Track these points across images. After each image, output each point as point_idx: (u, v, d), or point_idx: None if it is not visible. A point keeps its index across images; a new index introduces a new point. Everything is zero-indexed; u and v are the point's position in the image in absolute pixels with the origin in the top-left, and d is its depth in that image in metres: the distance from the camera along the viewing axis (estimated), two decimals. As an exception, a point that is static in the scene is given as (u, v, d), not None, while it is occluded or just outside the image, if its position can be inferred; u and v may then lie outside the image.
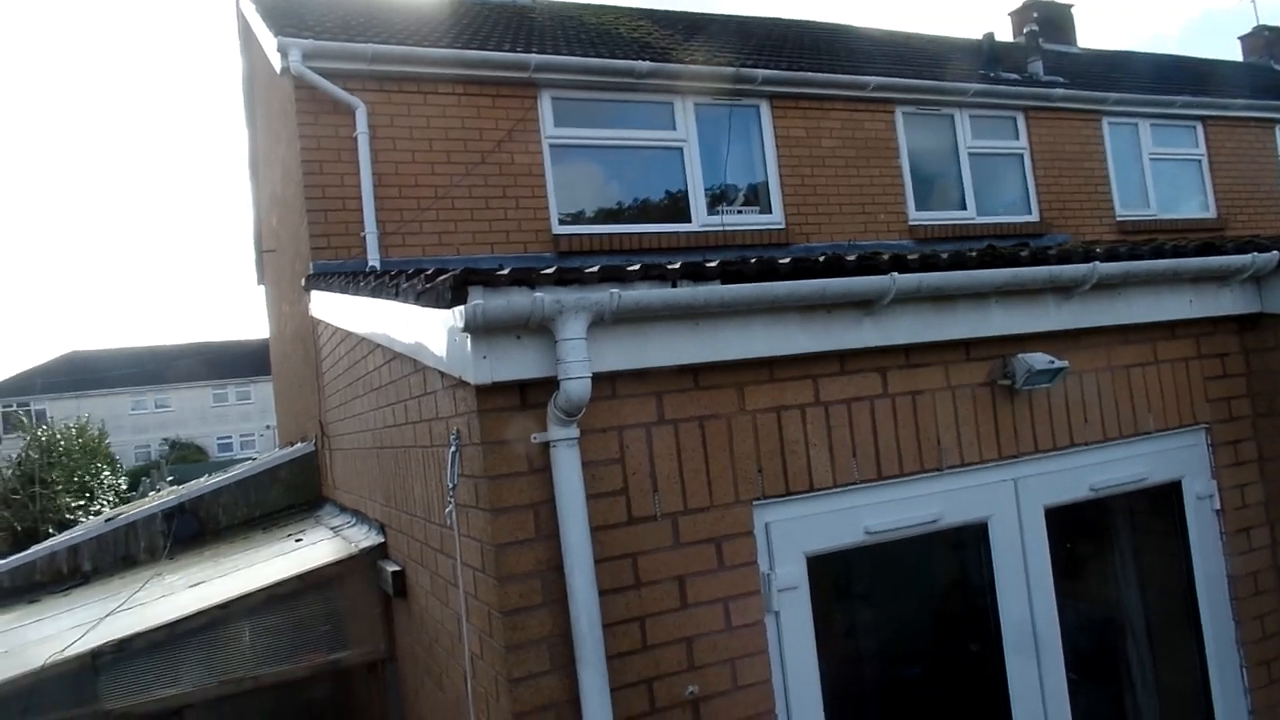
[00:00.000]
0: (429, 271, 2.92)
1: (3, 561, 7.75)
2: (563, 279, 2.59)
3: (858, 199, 8.72)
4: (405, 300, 3.17)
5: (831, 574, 3.17)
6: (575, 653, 2.64)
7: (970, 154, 9.40)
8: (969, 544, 3.45)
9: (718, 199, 8.35)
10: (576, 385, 2.52)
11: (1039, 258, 3.30)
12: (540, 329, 2.56)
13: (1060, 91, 9.75)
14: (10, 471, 20.64)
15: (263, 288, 14.06)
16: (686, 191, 8.20)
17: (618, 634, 2.74)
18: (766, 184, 8.52)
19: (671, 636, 2.83)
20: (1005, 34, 13.10)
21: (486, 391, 2.65)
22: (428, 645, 3.89)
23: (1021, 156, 9.72)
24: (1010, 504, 3.44)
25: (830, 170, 8.66)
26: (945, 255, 3.18)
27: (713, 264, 2.83)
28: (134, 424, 50.77)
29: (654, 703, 2.79)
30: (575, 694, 2.65)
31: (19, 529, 16.08)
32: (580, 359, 2.52)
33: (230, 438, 52.21)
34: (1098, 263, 3.28)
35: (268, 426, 44.82)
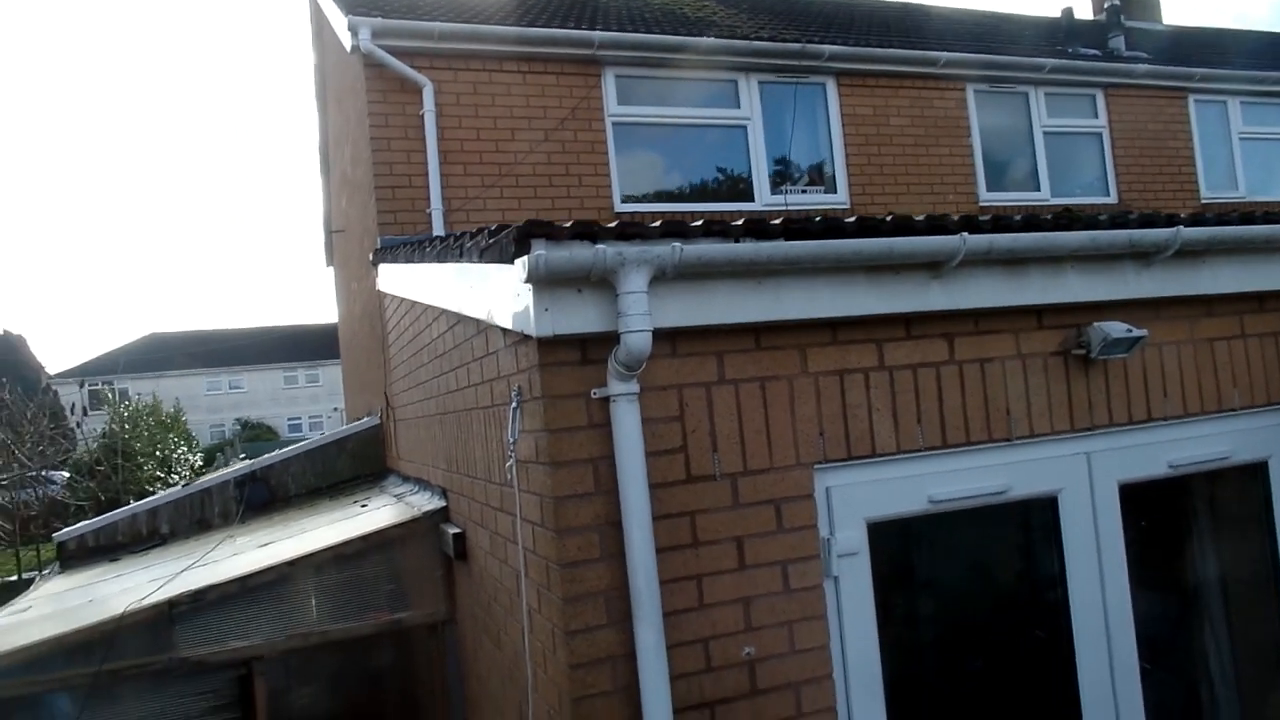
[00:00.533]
0: (493, 228, 2.95)
1: (88, 523, 8.11)
2: (625, 233, 2.58)
3: (926, 179, 8.53)
4: (469, 259, 3.20)
5: (893, 542, 3.11)
6: (632, 608, 2.65)
7: (1045, 133, 9.11)
8: (1037, 519, 3.36)
9: (781, 178, 8.26)
10: (637, 339, 2.52)
11: (1118, 221, 3.17)
12: (602, 283, 2.56)
13: (1143, 67, 9.38)
14: (95, 444, 21.59)
15: (332, 270, 14.41)
16: (749, 170, 8.13)
17: (674, 591, 2.74)
18: (831, 163, 8.39)
19: (729, 597, 2.81)
20: (1085, 12, 12.64)
21: (548, 345, 2.67)
22: (486, 605, 3.94)
23: (1100, 136, 9.38)
24: (1083, 478, 3.32)
25: (898, 149, 8.49)
26: (1018, 217, 3.08)
27: (776, 222, 2.79)
28: (209, 404, 52.56)
29: (709, 661, 2.78)
30: (631, 648, 2.66)
31: (102, 498, 16.81)
32: (641, 312, 2.51)
33: (299, 419, 53.68)
34: (1181, 228, 3.14)
35: (335, 409, 46.01)
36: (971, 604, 3.43)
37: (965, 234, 2.84)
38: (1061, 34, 10.25)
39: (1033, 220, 3.07)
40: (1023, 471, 3.23)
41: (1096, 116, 9.39)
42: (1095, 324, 3.21)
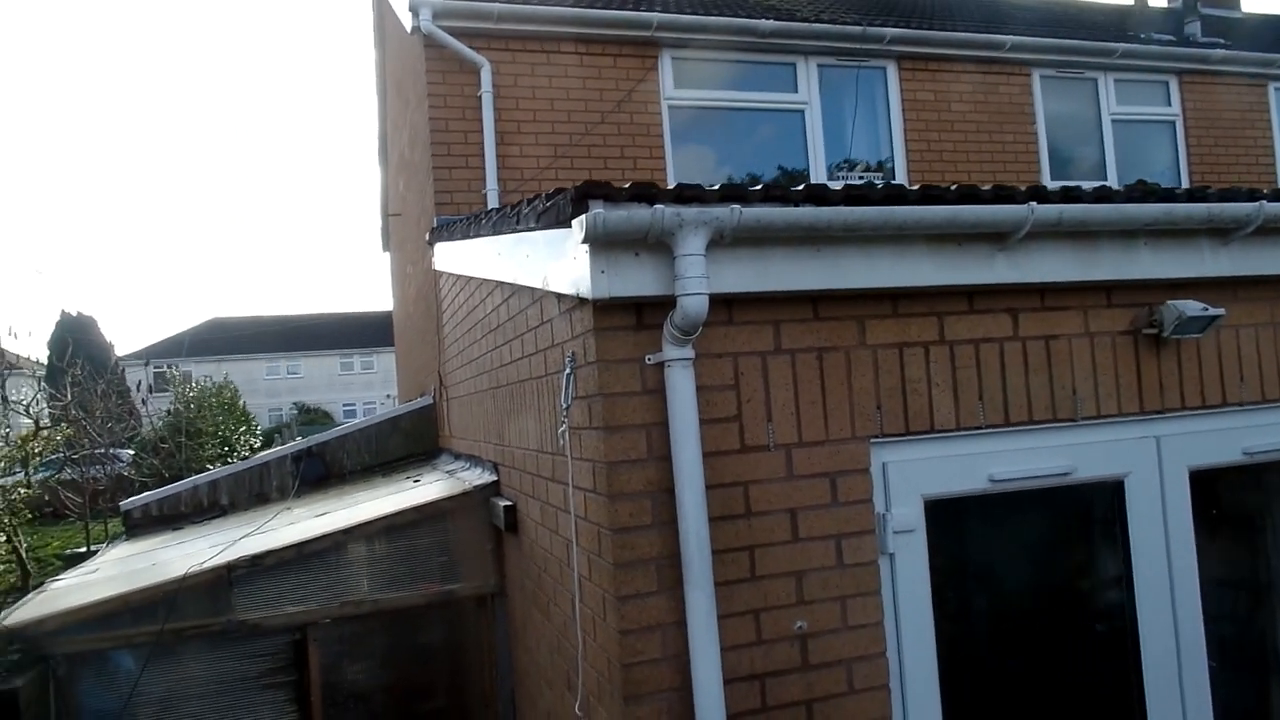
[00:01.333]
0: (550, 191, 2.95)
1: (152, 493, 8.37)
2: (683, 195, 2.55)
3: (988, 166, 8.33)
4: (526, 225, 3.21)
5: (951, 521, 3.04)
6: (683, 575, 2.63)
7: (1114, 120, 8.83)
8: (1102, 504, 3.25)
9: (838, 164, 8.14)
10: (693, 302, 2.49)
11: (1196, 195, 3.05)
12: (659, 245, 2.53)
13: (1220, 53, 9.02)
14: (160, 422, 22.27)
15: (388, 255, 14.64)
16: (806, 155, 8.03)
17: (726, 561, 2.71)
18: (890, 149, 8.24)
19: (781, 569, 2.78)
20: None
21: (604, 310, 2.66)
22: (536, 576, 3.96)
23: (1173, 124, 9.06)
24: (1151, 462, 3.21)
25: (959, 135, 8.30)
26: (1089, 188, 2.97)
27: (837, 188, 2.74)
28: (267, 388, 53.87)
29: (760, 633, 2.75)
30: (681, 617, 2.65)
31: (166, 475, 17.32)
32: (698, 275, 2.48)
33: (354, 405, 54.72)
34: (1265, 202, 3.01)
35: (388, 395, 46.83)
36: (1030, 589, 3.34)
37: (1034, 204, 2.75)
38: (1135, 19, 9.94)
39: (1105, 192, 2.97)
40: (1088, 453, 3.13)
41: (1169, 104, 9.07)
42: (1169, 302, 3.09)
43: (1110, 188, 3.04)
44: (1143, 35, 9.35)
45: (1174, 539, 3.23)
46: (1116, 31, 9.57)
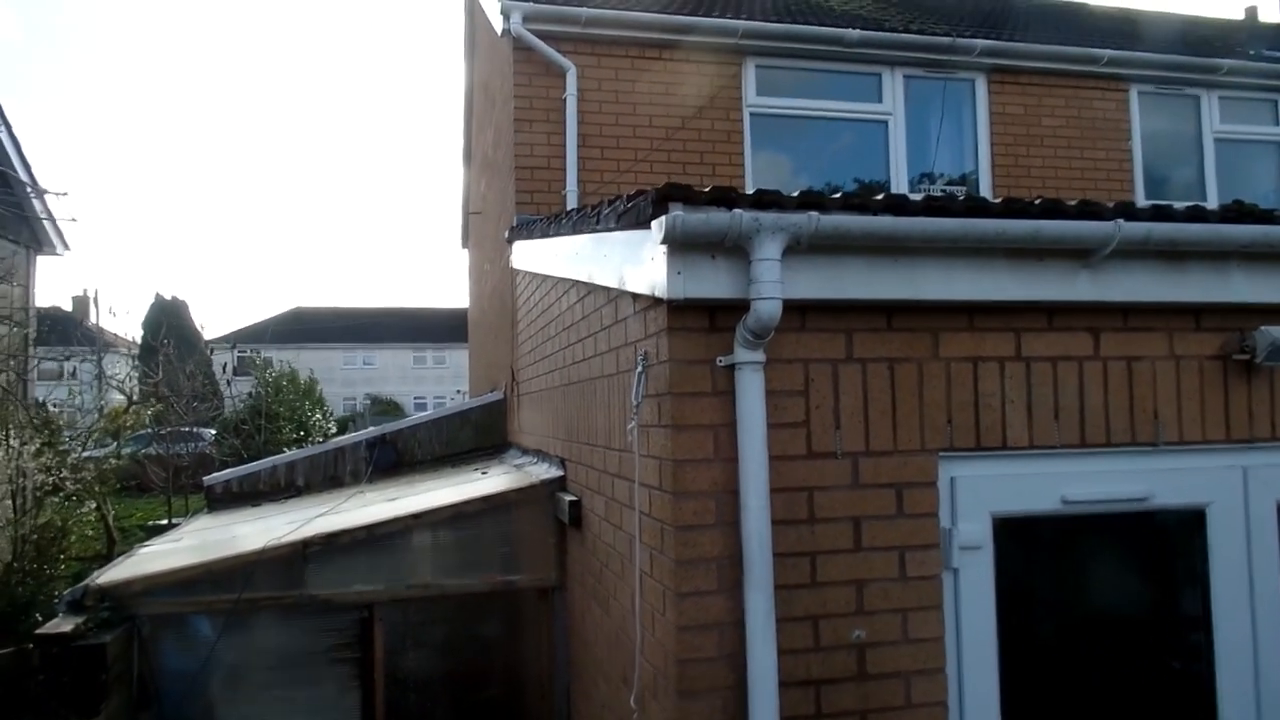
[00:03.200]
0: (630, 193, 3.00)
1: (233, 470, 8.73)
2: (762, 201, 2.58)
3: (1078, 184, 8.10)
4: (606, 225, 3.27)
5: (1020, 541, 2.99)
6: (744, 576, 2.65)
7: (1216, 140, 8.49)
8: (1181, 534, 3.15)
9: (921, 178, 8.03)
10: (767, 306, 2.52)
11: (1296, 218, 2.93)
12: (735, 249, 2.57)
13: (1334, 73, 8.60)
14: (242, 404, 23.15)
15: (466, 252, 14.96)
16: (888, 168, 7.93)
17: (787, 566, 2.72)
18: (975, 164, 8.08)
19: (842, 577, 2.78)
20: (1272, 14, 11.70)
21: (678, 310, 2.70)
22: (597, 571, 4.02)
23: (1279, 144, 8.67)
24: (1237, 493, 3.10)
25: (1049, 151, 8.10)
26: (1180, 207, 2.89)
27: (917, 198, 2.73)
28: (343, 378, 55.43)
29: (818, 640, 2.75)
30: (739, 617, 2.67)
31: (245, 455, 17.99)
32: (773, 280, 2.50)
33: (425, 398, 55.85)
34: (1371, 227, 2.88)
35: (459, 390, 47.68)
36: (1101, 618, 3.24)
37: (1120, 220, 2.70)
38: (1243, 35, 9.54)
39: (1197, 211, 2.88)
40: (1168, 480, 3.04)
41: (1278, 124, 8.68)
42: (1262, 328, 2.99)
43: (1203, 207, 2.95)
44: (1251, 51, 8.97)
45: (1258, 575, 3.11)
46: (1222, 46, 9.21)
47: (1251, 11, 9.62)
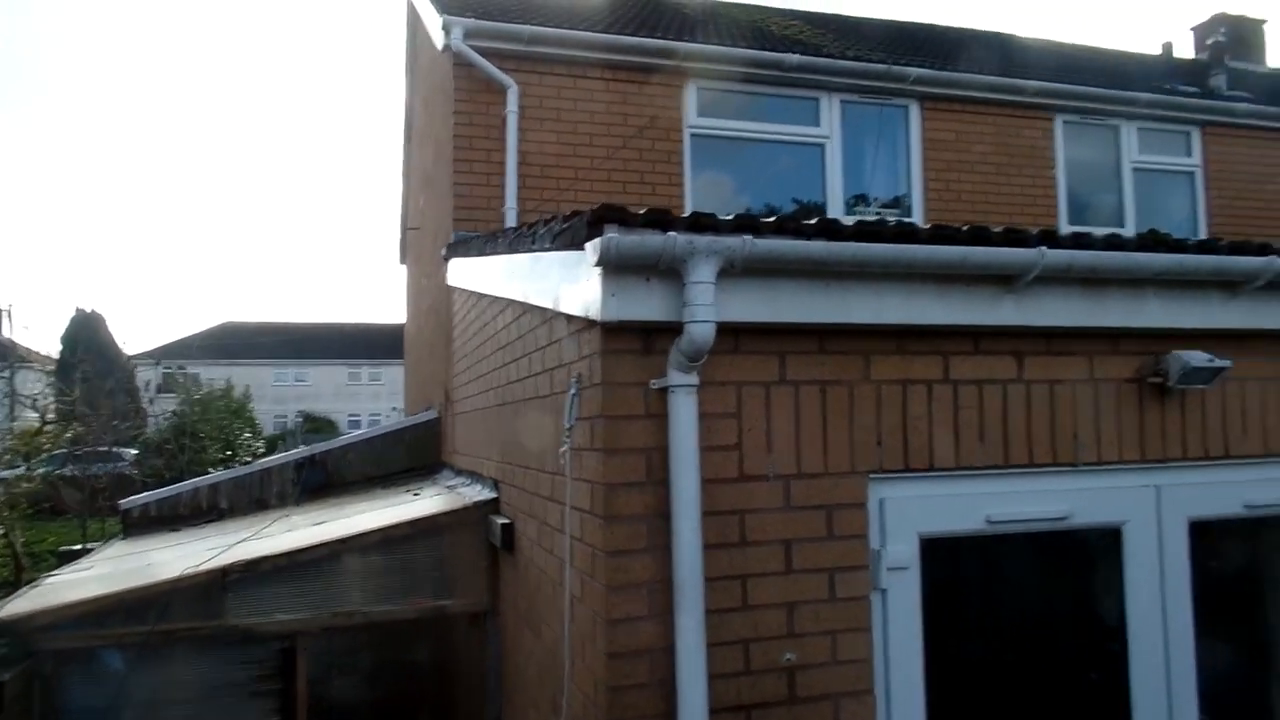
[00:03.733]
0: (567, 213, 2.98)
1: (152, 493, 8.39)
2: (697, 223, 2.58)
3: (1005, 208, 8.35)
4: (541, 245, 3.24)
5: (946, 561, 3.02)
6: (675, 601, 2.62)
7: (1134, 169, 8.86)
8: (1099, 551, 3.23)
9: (856, 200, 8.18)
10: (701, 330, 2.51)
11: (1206, 247, 3.06)
12: (669, 272, 2.55)
13: (1245, 107, 9.06)
14: (165, 424, 22.37)
15: (404, 268, 14.75)
16: (824, 190, 8.07)
17: (718, 590, 2.71)
18: (909, 187, 8.28)
19: (773, 600, 2.77)
20: (1187, 50, 12.28)
21: (611, 332, 2.67)
22: (529, 595, 3.95)
23: (1193, 175, 9.08)
24: (1150, 511, 3.19)
25: (979, 176, 8.34)
26: (1101, 235, 2.99)
27: (849, 223, 2.76)
28: (275, 395, 54.00)
29: (749, 664, 2.73)
30: (670, 643, 2.63)
31: (167, 476, 17.36)
32: (707, 303, 2.50)
33: (359, 415, 54.74)
34: (1275, 257, 3.01)
35: (394, 408, 46.88)
36: (1023, 633, 3.30)
37: (1044, 248, 2.77)
38: (1160, 70, 9.99)
39: (1116, 239, 2.98)
40: (1087, 499, 3.12)
41: (1190, 155, 9.09)
42: (1175, 352, 3.09)
43: (1121, 236, 3.05)
44: (1167, 86, 9.40)
45: (1170, 589, 3.21)
46: (1141, 80, 9.63)
47: (1167, 47, 10.08)
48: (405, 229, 13.30)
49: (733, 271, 2.57)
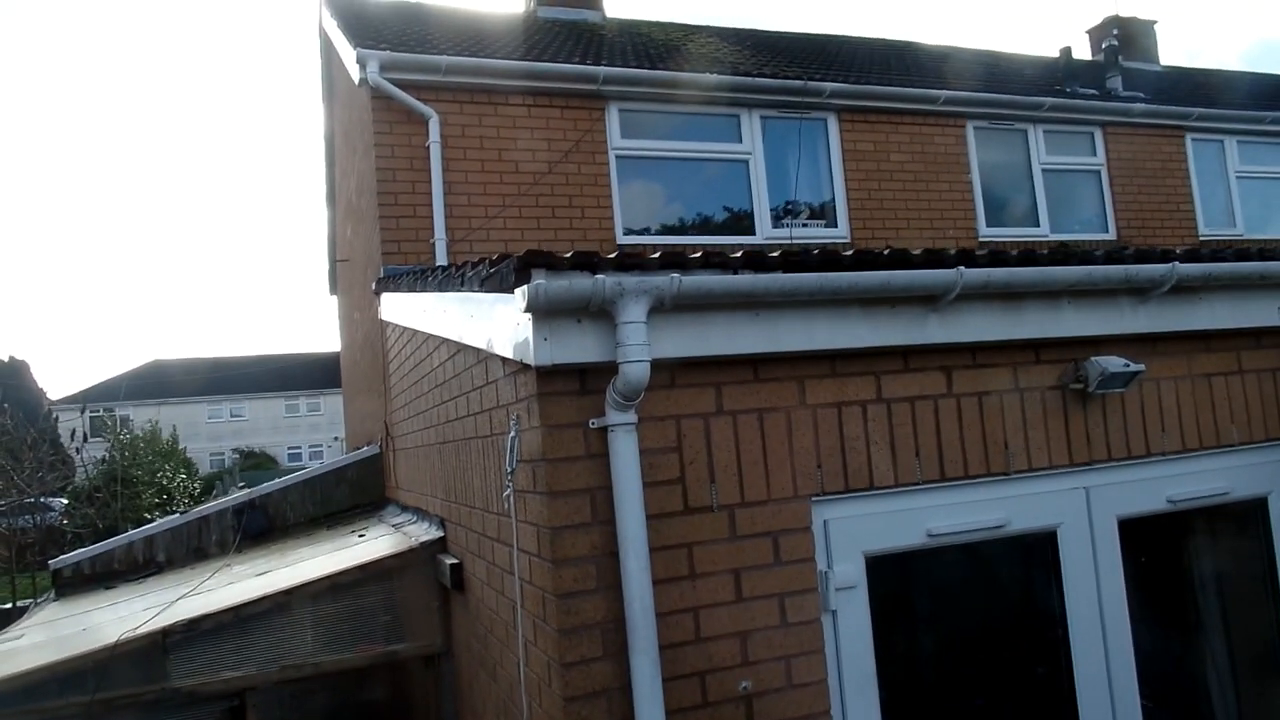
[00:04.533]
0: (494, 257, 2.97)
1: (84, 550, 8.07)
2: (624, 264, 2.60)
3: (926, 214, 8.60)
4: (470, 288, 3.23)
5: (891, 576, 3.10)
6: (628, 640, 2.63)
7: (1044, 170, 9.20)
8: (1037, 553, 3.34)
9: (783, 212, 8.33)
10: (635, 369, 2.53)
11: (1114, 257, 3.20)
12: (601, 313, 2.57)
13: (1141, 106, 9.49)
14: (94, 470, 21.51)
15: (335, 299, 14.48)
16: (751, 204, 8.20)
17: (671, 624, 2.72)
18: (833, 197, 8.46)
19: (725, 630, 2.80)
20: (1084, 52, 12.81)
21: (546, 375, 2.68)
22: (483, 636, 3.91)
23: (1098, 173, 9.47)
24: (1081, 512, 3.32)
25: (898, 184, 8.57)
26: (1015, 252, 3.10)
27: (775, 254, 2.82)
28: (210, 432, 52.49)
29: (706, 696, 2.75)
30: (627, 680, 2.64)
31: (100, 526, 16.71)
32: (640, 343, 2.52)
33: (300, 448, 53.55)
34: (1177, 263, 3.17)
35: (335, 438, 45.91)
36: (971, 639, 3.40)
37: (962, 268, 2.86)
38: (1060, 73, 10.39)
39: (1029, 255, 3.09)
40: (1021, 505, 3.23)
41: (1095, 154, 9.48)
42: (1093, 358, 3.22)
43: (1034, 251, 3.17)
44: (1068, 89, 9.78)
45: (1105, 585, 3.33)
46: (1045, 84, 10.01)
47: (1066, 50, 10.49)
48: (334, 260, 13.06)
49: (663, 309, 2.60)
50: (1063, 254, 3.14)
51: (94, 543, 9.54)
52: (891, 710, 2.99)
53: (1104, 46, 10.82)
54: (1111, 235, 9.38)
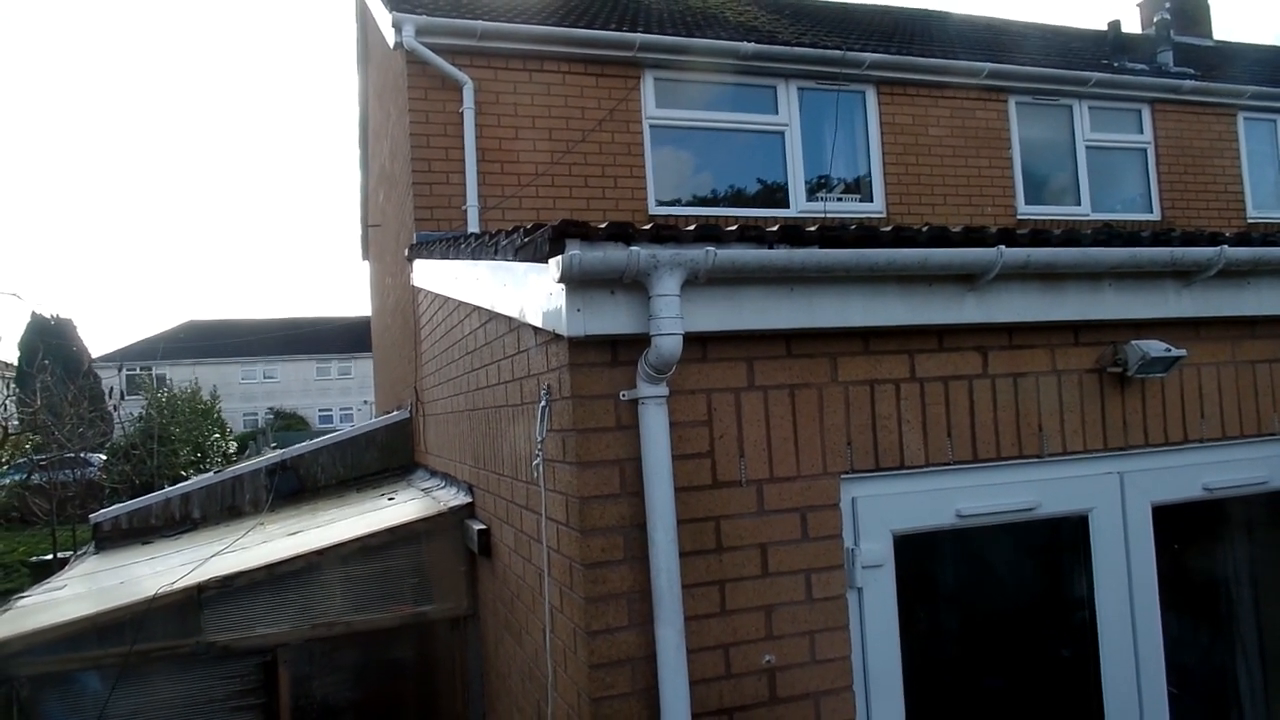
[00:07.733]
0: (528, 226, 2.97)
1: (123, 505, 8.27)
2: (659, 236, 2.59)
3: (964, 190, 8.45)
4: (504, 257, 3.23)
5: (919, 556, 3.09)
6: (654, 610, 2.65)
7: (1088, 147, 8.99)
8: (1067, 538, 3.31)
9: (817, 185, 8.23)
10: (668, 342, 2.52)
11: (1160, 239, 3.12)
12: (634, 285, 2.56)
13: (1191, 83, 9.22)
14: (132, 427, 21.99)
15: (367, 264, 14.59)
16: (785, 176, 8.11)
17: (696, 596, 2.74)
18: (869, 171, 8.34)
19: (751, 604, 2.81)
20: (1134, 26, 12.45)
21: (579, 346, 2.68)
22: (509, 601, 3.96)
23: (1144, 151, 9.23)
24: (1115, 498, 3.27)
25: (936, 159, 8.42)
26: (1057, 232, 3.04)
27: (811, 228, 2.79)
28: (243, 392, 53.34)
29: (729, 668, 2.77)
30: (651, 651, 2.66)
31: (137, 482, 17.11)
32: (673, 315, 2.51)
33: (330, 410, 54.30)
34: (1225, 247, 3.09)
35: (365, 401, 46.52)
36: (997, 622, 3.39)
37: (1002, 247, 2.81)
38: (1108, 47, 10.11)
39: (1071, 235, 3.03)
40: (1053, 489, 3.19)
41: (1142, 132, 9.24)
42: (1133, 342, 3.16)
43: (1077, 231, 3.10)
44: (1116, 64, 9.52)
45: (1136, 572, 3.29)
46: (1092, 58, 9.75)
47: (1115, 24, 10.20)
48: (366, 225, 13.14)
49: (697, 282, 2.59)
50: (1106, 235, 3.07)
51: (131, 497, 9.78)
52: (914, 688, 2.99)
53: (1155, 20, 10.50)
54: (1155, 215, 9.17)
